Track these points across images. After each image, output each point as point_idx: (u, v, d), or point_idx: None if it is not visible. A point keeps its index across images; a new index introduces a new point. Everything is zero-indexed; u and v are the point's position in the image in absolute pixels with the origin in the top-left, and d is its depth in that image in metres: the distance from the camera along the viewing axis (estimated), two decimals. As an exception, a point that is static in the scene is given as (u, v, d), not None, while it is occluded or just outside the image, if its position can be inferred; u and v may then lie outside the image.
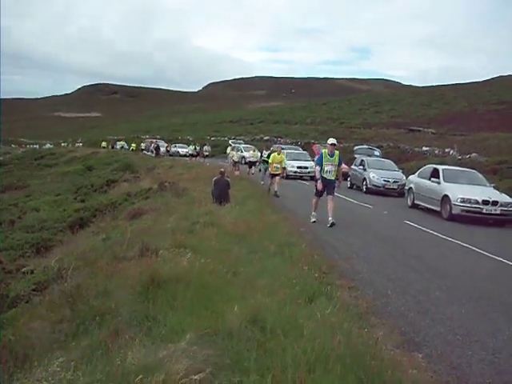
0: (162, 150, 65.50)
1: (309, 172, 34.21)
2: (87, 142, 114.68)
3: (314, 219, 16.44)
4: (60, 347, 5.99)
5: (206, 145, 57.79)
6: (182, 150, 65.60)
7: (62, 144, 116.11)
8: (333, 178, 16.31)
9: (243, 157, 46.40)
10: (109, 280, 7.66)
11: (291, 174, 35.26)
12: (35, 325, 6.99)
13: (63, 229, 21.09)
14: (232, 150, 44.12)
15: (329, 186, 16.23)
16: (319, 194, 16.33)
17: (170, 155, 64.17)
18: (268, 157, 29.21)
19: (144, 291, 7.07)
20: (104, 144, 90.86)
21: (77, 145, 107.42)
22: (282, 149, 32.21)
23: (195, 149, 57.22)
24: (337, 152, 16.47)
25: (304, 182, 33.90)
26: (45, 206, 28.58)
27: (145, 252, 9.34)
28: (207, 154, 53.57)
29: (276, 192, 24.64)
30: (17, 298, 9.45)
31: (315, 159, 18.01)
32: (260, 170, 33.67)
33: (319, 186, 16.17)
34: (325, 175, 16.16)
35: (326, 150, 16.51)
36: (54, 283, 8.46)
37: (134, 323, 6.14)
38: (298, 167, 36.35)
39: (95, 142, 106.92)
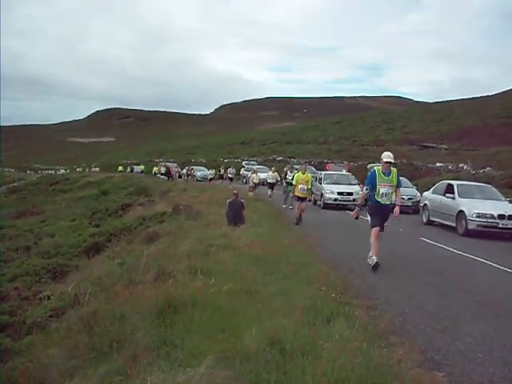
0: (182, 172, 65.29)
1: (354, 200, 27.08)
2: (102, 166, 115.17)
3: (373, 261, 12.22)
4: (78, 374, 5.97)
5: (230, 167, 55.35)
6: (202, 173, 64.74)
7: (78, 169, 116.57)
8: (389, 203, 12.75)
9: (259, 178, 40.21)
10: (125, 305, 7.64)
11: (330, 202, 28.88)
12: (52, 351, 6.97)
13: (79, 254, 21.17)
14: (253, 172, 40.84)
15: (385, 214, 12.90)
16: (376, 223, 12.58)
17: (198, 180, 59.94)
18: (293, 179, 26.53)
19: (161, 315, 7.04)
20: (121, 168, 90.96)
21: (93, 169, 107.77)
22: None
23: (219, 171, 55.48)
24: (394, 170, 12.88)
25: (349, 212, 24.26)
26: (60, 231, 28.72)
27: (161, 276, 9.32)
28: (231, 176, 51.24)
29: (298, 218, 21.30)
30: (34, 325, 9.45)
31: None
32: (284, 193, 30.25)
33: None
34: (380, 199, 12.57)
35: (380, 168, 12.90)
36: (70, 309, 8.45)
37: (152, 348, 6.11)
38: (340, 193, 28.78)
39: (110, 166, 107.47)
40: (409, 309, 8.88)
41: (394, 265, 13.16)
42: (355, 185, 29.89)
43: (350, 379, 4.98)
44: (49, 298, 11.61)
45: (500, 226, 18.66)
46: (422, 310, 8.85)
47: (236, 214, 18.15)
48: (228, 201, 18.95)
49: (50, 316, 9.57)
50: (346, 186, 29.70)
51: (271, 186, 34.19)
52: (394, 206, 13.01)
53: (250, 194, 33.58)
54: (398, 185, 12.99)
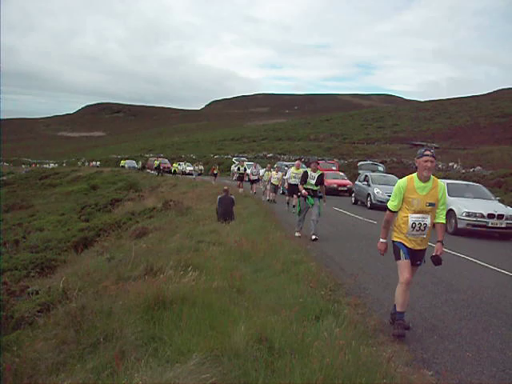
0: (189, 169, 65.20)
1: None
2: (101, 161, 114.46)
3: None
4: (65, 369, 5.92)
5: (253, 165, 38.03)
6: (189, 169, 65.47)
7: (78, 163, 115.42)
8: None
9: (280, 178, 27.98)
10: (114, 300, 7.60)
11: None
12: (40, 346, 6.92)
13: (67, 248, 21.06)
14: (270, 169, 30.88)
15: None
16: None
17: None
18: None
19: (149, 311, 7.00)
20: (123, 163, 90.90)
21: (92, 164, 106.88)
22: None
23: (244, 169, 37.27)
24: None
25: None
26: (49, 225, 28.60)
27: (149, 272, 9.28)
28: (256, 177, 35.54)
29: None
30: (21, 320, 9.38)
31: None
32: (293, 209, 20.44)
33: None
34: None
35: None
36: (58, 304, 8.39)
37: (140, 344, 6.07)
38: None
39: (107, 160, 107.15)
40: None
41: (383, 263, 13.14)
42: None
43: (339, 377, 4.96)
44: (37, 292, 11.55)
45: (489, 225, 18.70)
46: (411, 309, 8.80)
47: (226, 210, 18.11)
48: (218, 197, 18.88)
49: (38, 311, 9.51)
50: None
51: (293, 190, 21.54)
52: None
53: (240, 190, 32.91)
54: None
